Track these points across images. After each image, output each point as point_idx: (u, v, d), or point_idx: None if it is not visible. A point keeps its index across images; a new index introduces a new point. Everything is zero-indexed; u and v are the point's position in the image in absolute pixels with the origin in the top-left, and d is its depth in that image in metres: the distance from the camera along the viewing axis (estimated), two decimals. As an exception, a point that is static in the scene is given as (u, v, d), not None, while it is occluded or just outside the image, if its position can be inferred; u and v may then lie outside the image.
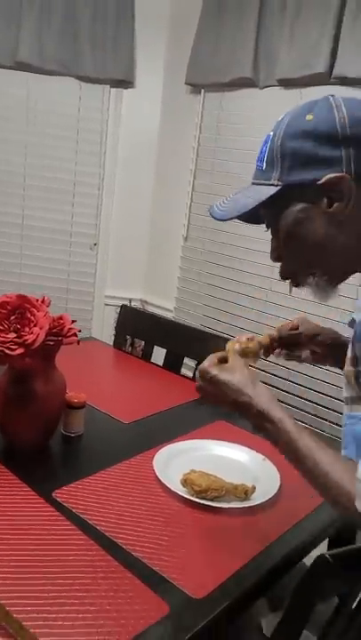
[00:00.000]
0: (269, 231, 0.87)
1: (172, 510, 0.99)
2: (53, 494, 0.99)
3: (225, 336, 1.85)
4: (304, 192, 0.77)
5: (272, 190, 0.78)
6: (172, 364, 1.79)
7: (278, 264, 0.89)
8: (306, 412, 2.18)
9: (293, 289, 0.91)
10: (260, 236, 2.45)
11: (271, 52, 2.09)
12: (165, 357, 1.83)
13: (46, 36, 2.44)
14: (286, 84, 2.07)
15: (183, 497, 1.01)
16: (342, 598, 0.91)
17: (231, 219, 0.84)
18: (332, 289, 0.85)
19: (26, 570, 0.80)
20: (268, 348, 1.04)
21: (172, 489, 1.03)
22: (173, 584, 0.81)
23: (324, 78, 1.90)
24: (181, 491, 1.02)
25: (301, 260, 0.83)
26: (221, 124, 2.42)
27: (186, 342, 1.81)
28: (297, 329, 1.07)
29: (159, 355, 1.86)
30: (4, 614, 0.68)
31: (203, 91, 2.45)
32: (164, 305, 2.74)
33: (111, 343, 1.98)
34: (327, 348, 1.06)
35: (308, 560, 0.83)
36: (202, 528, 0.95)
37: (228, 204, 0.86)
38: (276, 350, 1.06)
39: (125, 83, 2.61)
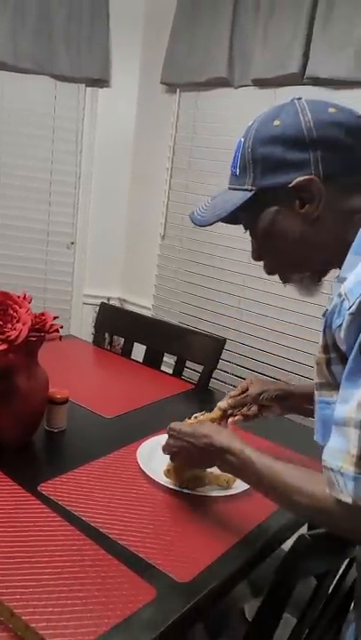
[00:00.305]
0: (248, 232, 0.89)
1: (157, 500, 1.01)
2: (39, 488, 1.00)
3: (205, 332, 1.88)
4: (277, 195, 0.80)
5: (247, 195, 0.81)
6: (152, 361, 1.81)
7: (255, 261, 0.91)
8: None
9: (288, 286, 0.93)
10: (237, 234, 2.49)
11: (246, 52, 2.13)
12: (145, 354, 1.85)
13: (20, 34, 2.43)
14: (261, 83, 2.11)
15: (167, 487, 1.03)
16: (320, 580, 0.95)
17: (211, 224, 0.87)
18: (316, 285, 0.87)
19: (14, 560, 0.81)
20: (221, 419, 1.14)
21: (156, 479, 1.05)
22: (159, 569, 0.83)
23: (298, 78, 1.94)
24: (165, 481, 1.05)
25: (282, 259, 0.86)
26: (197, 122, 2.45)
27: (165, 339, 1.83)
28: (246, 391, 1.15)
29: (138, 352, 1.88)
30: (9, 615, 0.69)
31: (178, 90, 2.47)
32: (143, 303, 2.76)
33: (90, 342, 1.99)
34: (275, 401, 1.13)
35: (287, 547, 0.86)
36: (186, 516, 0.98)
37: (207, 209, 0.89)
38: (230, 419, 1.14)
39: (101, 82, 2.62)
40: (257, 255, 0.89)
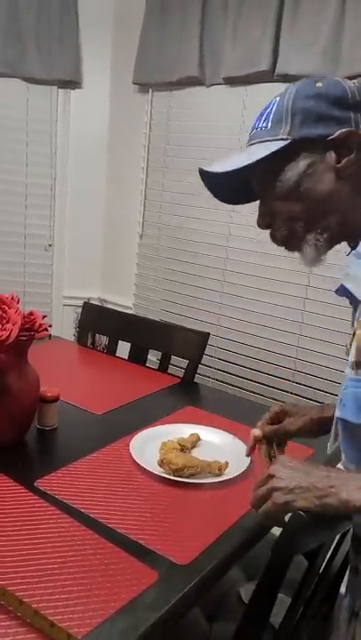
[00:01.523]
0: (261, 194, 0.87)
1: (152, 489, 1.04)
2: (35, 484, 1.02)
3: (188, 328, 1.90)
4: (314, 146, 0.79)
5: (281, 144, 0.79)
6: (137, 358, 1.83)
7: (262, 229, 0.89)
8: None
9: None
10: (216, 230, 2.52)
11: (216, 50, 2.16)
12: (130, 351, 1.88)
13: (-10, 37, 2.43)
14: (232, 81, 2.14)
15: (161, 476, 1.06)
16: (311, 560, 0.99)
17: (230, 171, 0.84)
18: (325, 252, 0.85)
19: (18, 553, 0.83)
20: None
21: (150, 470, 1.08)
22: (159, 554, 0.86)
23: (268, 76, 1.98)
24: (159, 471, 1.07)
25: (302, 218, 0.83)
26: (171, 121, 2.48)
27: (149, 335, 1.85)
28: (280, 415, 1.05)
29: (122, 350, 1.90)
30: (17, 603, 0.71)
31: (151, 90, 2.50)
32: (123, 302, 2.78)
33: (73, 342, 2.00)
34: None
35: (276, 531, 0.89)
36: (181, 503, 1.01)
37: (227, 162, 0.85)
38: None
39: (73, 83, 2.63)
40: (268, 221, 0.87)
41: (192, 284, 2.49)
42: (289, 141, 0.80)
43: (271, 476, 0.80)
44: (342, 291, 0.78)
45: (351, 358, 0.75)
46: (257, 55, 1.98)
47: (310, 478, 0.78)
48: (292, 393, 2.19)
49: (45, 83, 2.59)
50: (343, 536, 1.08)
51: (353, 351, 0.75)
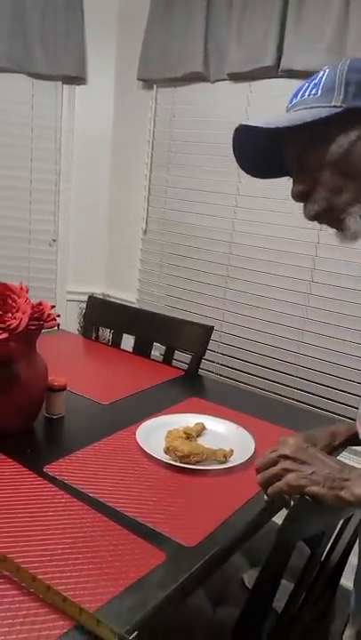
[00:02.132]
0: (299, 163, 0.85)
1: (159, 476, 1.06)
2: (44, 469, 1.04)
3: (192, 321, 1.92)
4: None
5: (333, 111, 0.78)
6: (141, 351, 1.85)
7: (298, 201, 0.87)
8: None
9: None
10: (219, 225, 2.53)
11: (220, 47, 2.18)
12: (134, 344, 1.90)
13: (-4, 33, 2.44)
14: (236, 77, 2.16)
15: (168, 463, 1.08)
16: (313, 548, 1.01)
17: (273, 128, 0.82)
18: None
19: (30, 535, 0.85)
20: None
21: (157, 457, 1.10)
22: (167, 536, 0.88)
23: (273, 71, 2.00)
24: (165, 458, 1.09)
25: (348, 189, 0.82)
26: (175, 117, 2.49)
27: (154, 329, 1.88)
28: None
29: (126, 344, 1.92)
30: (30, 580, 0.73)
31: (155, 86, 2.51)
32: (127, 298, 2.80)
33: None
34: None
35: (279, 517, 0.91)
36: (187, 489, 1.03)
37: (272, 121, 0.84)
38: None
39: (77, 79, 2.65)
40: (307, 190, 0.85)
41: (196, 279, 2.51)
42: (341, 109, 0.79)
43: (285, 457, 0.81)
44: None
45: None
46: (261, 51, 2.00)
47: (326, 468, 0.79)
48: (295, 388, 2.21)
49: (50, 78, 2.61)
50: (346, 523, 1.10)
51: None
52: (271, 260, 2.23)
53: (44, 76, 2.59)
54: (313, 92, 0.82)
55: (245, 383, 2.34)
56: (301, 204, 0.88)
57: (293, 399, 2.21)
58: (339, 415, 2.06)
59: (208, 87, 2.30)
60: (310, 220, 0.87)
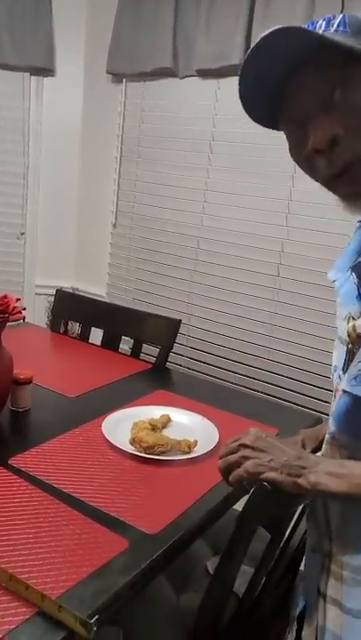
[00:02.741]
0: (325, 102, 0.72)
1: (124, 466, 1.08)
2: (9, 461, 1.04)
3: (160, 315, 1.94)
4: None
5: None
6: (110, 345, 1.86)
7: (325, 147, 0.73)
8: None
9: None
10: (187, 220, 2.55)
11: (189, 42, 2.19)
12: (103, 338, 1.90)
13: None
14: (204, 74, 2.18)
15: (132, 454, 1.10)
16: (273, 532, 1.04)
17: (323, 37, 0.69)
18: None
19: (-8, 525, 0.86)
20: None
21: (122, 448, 1.11)
22: (130, 524, 0.90)
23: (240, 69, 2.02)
24: (130, 449, 1.11)
25: None
26: (144, 112, 2.50)
27: (122, 322, 1.89)
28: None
29: (94, 337, 1.93)
30: None
31: (124, 80, 2.51)
32: (96, 292, 2.80)
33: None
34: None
35: (239, 506, 0.94)
36: (151, 479, 1.05)
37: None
38: None
39: (45, 71, 2.62)
40: (336, 132, 0.72)
41: (165, 273, 2.53)
42: None
43: (245, 446, 0.84)
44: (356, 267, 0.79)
45: None
46: (229, 49, 2.02)
47: (284, 455, 0.82)
48: (266, 382, 2.25)
49: (17, 69, 2.58)
50: (305, 509, 1.14)
51: None
52: (238, 255, 2.26)
53: (11, 66, 2.56)
54: (341, 28, 0.70)
55: (217, 377, 2.37)
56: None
57: (265, 393, 2.25)
58: (310, 409, 2.10)
59: (177, 83, 2.31)
60: (330, 177, 0.76)
